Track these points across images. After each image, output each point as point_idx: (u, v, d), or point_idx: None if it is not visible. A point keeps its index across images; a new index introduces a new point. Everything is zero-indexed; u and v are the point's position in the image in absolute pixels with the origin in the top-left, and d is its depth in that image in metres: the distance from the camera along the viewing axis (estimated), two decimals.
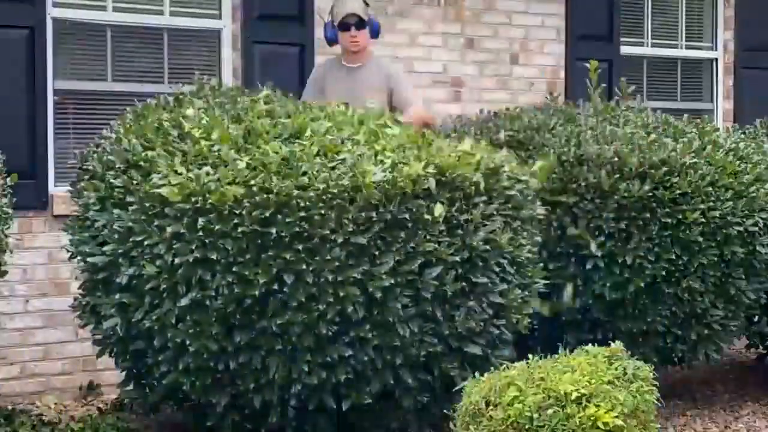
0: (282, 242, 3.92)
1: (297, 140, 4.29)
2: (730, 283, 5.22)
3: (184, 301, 4.01)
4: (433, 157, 4.20)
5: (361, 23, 5.68)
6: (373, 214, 3.97)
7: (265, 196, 3.92)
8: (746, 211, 5.18)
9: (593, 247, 5.04)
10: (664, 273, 5.06)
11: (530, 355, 3.81)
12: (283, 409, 4.18)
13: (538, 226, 4.70)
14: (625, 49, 7.60)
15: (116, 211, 4.22)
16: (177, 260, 3.99)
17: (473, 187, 4.21)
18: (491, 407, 3.53)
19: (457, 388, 3.88)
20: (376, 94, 5.47)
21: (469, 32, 6.97)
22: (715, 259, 5.13)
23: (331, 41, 5.82)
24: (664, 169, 5.10)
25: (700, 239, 5.07)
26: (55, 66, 5.77)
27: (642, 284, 5.06)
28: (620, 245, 5.07)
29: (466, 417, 3.61)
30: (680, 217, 5.06)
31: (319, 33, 6.43)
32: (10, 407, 5.12)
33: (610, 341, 3.89)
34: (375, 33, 5.83)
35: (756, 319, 5.76)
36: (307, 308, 3.96)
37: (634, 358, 3.78)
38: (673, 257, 5.05)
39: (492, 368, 3.85)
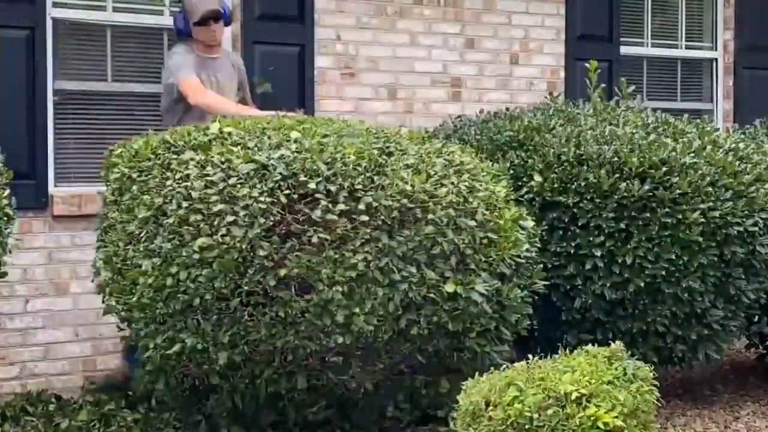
0: None
1: None
2: (730, 283, 5.22)
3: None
4: None
5: (218, 16, 5.63)
6: None
7: None
8: (746, 211, 5.17)
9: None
10: (664, 273, 5.06)
11: (530, 355, 3.81)
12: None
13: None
14: (625, 49, 7.60)
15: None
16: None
17: None
18: (491, 407, 3.53)
19: None
20: (232, 85, 5.76)
21: (469, 32, 6.97)
22: (715, 259, 5.13)
23: (184, 34, 5.66)
24: (664, 169, 5.10)
25: (700, 239, 5.07)
26: (55, 66, 5.76)
27: (642, 284, 5.06)
28: (620, 245, 5.07)
29: (466, 417, 3.61)
30: (680, 217, 5.05)
31: (319, 33, 6.44)
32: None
33: (610, 341, 3.90)
34: (228, 21, 5.78)
35: (756, 319, 5.76)
36: None
37: (634, 358, 3.78)
38: (673, 257, 5.05)
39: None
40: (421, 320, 4.21)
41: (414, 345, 4.26)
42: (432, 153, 4.62)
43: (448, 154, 4.66)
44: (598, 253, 5.07)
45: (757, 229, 5.18)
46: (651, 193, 5.06)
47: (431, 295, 4.19)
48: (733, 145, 5.52)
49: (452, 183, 4.39)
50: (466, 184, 4.45)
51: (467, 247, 4.28)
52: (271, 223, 4.04)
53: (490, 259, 4.38)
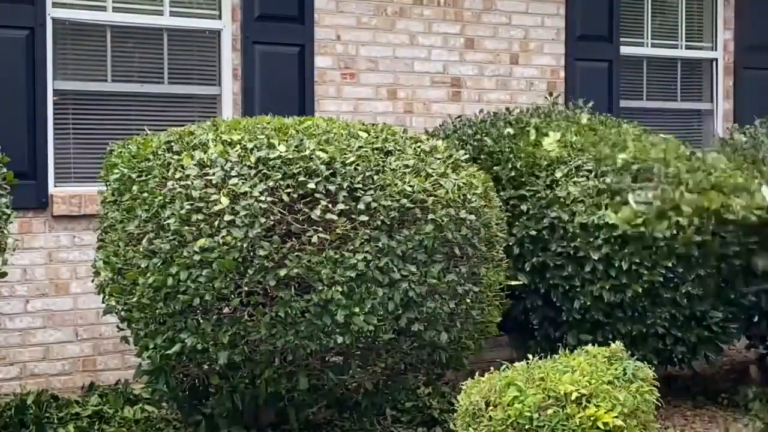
0: None
1: None
2: (730, 287, 5.21)
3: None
4: None
5: None
6: None
7: None
8: None
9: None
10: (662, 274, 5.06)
11: (530, 355, 3.81)
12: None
13: None
14: (625, 49, 7.60)
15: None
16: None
17: None
18: (491, 407, 3.53)
19: None
20: None
21: (469, 32, 6.97)
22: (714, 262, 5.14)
23: None
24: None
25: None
26: (55, 66, 5.76)
27: (640, 289, 5.04)
28: (617, 249, 5.06)
29: (466, 417, 3.61)
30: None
31: (319, 33, 6.44)
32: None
33: (609, 342, 3.90)
34: None
35: (756, 319, 5.75)
36: None
37: (634, 359, 3.78)
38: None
39: None
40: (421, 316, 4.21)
41: (415, 341, 4.25)
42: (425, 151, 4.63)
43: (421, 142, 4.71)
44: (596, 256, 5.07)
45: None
46: None
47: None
48: None
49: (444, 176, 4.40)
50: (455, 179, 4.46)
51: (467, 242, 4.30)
52: (272, 223, 4.04)
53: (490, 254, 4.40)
